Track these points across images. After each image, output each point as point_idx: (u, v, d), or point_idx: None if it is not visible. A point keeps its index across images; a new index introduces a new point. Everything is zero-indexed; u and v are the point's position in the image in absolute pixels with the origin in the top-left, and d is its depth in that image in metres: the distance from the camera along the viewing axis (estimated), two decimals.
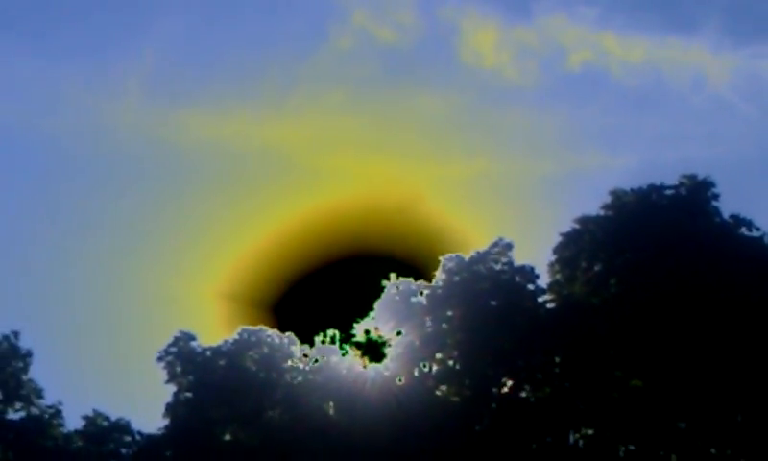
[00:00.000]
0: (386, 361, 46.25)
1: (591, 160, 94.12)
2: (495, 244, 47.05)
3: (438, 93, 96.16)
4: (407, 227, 78.26)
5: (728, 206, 46.50)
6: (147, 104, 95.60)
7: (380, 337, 46.74)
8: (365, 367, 46.70)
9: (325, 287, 62.18)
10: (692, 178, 46.33)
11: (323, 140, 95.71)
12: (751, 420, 42.56)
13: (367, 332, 46.85)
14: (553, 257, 46.36)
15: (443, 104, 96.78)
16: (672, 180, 46.79)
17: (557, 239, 46.64)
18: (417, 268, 49.43)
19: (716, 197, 46.23)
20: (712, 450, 43.68)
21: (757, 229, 45.74)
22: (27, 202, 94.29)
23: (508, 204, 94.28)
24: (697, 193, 46.19)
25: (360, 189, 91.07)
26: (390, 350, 46.29)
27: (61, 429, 49.15)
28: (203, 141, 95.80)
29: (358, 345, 46.85)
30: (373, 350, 46.64)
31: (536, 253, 48.16)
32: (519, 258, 47.10)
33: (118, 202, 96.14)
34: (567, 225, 46.88)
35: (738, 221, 45.84)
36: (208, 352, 49.41)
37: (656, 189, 46.56)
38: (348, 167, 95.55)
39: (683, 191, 46.32)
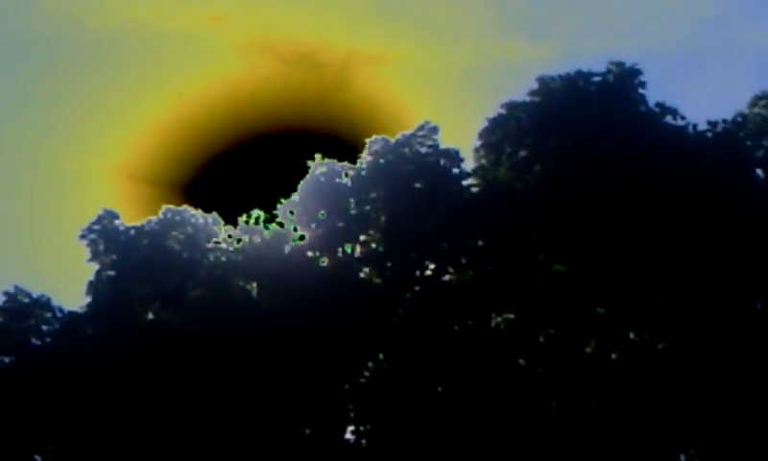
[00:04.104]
0: (310, 242, 46.09)
1: (514, 50, 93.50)
2: (421, 127, 46.70)
3: None
4: (329, 109, 77.94)
5: (653, 96, 46.64)
6: None
7: (304, 217, 46.41)
8: (289, 248, 46.50)
9: (245, 167, 61.99)
10: (620, 65, 46.18)
11: (240, 21, 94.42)
12: (669, 304, 43.06)
13: (291, 212, 46.55)
14: (478, 142, 46.27)
15: None
16: (597, 69, 46.74)
17: (482, 125, 46.63)
18: (342, 149, 49.14)
19: (643, 85, 46.18)
20: (631, 335, 44.30)
21: (682, 117, 46.01)
22: None
23: (431, 91, 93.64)
24: (624, 80, 46.05)
25: (280, 71, 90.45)
26: (314, 231, 46.11)
27: None
28: (118, 23, 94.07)
29: (282, 225, 46.62)
30: (297, 230, 46.41)
31: (460, 139, 47.96)
32: (444, 144, 46.95)
33: (33, 81, 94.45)
34: (490, 113, 46.69)
35: (664, 109, 45.93)
36: (132, 231, 48.92)
37: (583, 76, 46.35)
38: (268, 48, 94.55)
39: (610, 78, 46.14)
